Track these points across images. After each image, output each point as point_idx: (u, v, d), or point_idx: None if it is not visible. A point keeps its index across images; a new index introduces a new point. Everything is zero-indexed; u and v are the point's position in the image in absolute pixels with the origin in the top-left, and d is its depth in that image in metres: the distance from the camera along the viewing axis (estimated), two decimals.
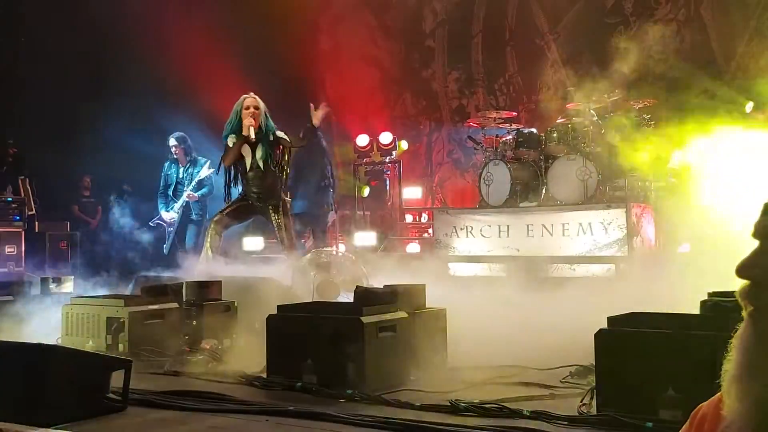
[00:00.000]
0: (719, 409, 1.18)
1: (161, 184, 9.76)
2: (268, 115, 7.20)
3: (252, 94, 7.25)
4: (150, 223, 10.01)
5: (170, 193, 9.66)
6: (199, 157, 9.71)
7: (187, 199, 9.52)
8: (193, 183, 9.53)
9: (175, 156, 9.61)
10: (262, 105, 7.16)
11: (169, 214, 9.61)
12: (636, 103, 8.65)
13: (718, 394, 1.37)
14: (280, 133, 7.20)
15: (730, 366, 1.13)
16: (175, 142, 9.55)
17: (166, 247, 9.63)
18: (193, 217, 9.63)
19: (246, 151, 7.15)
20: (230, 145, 7.15)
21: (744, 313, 1.13)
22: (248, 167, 7.17)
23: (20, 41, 11.83)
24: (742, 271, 1.12)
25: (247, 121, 7.02)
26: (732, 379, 1.12)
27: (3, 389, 3.34)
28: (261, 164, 7.12)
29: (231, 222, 7.33)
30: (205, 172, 9.51)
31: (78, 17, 11.28)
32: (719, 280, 4.43)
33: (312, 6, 13.68)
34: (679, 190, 8.71)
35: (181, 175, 9.64)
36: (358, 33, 14.00)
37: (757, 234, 1.13)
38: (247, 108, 7.08)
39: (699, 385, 2.90)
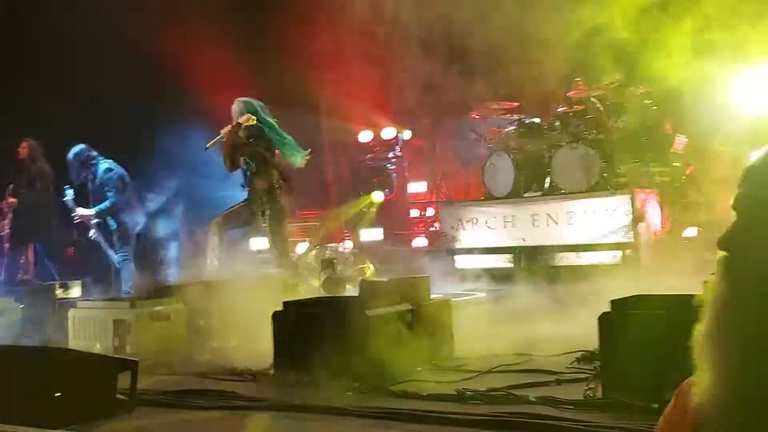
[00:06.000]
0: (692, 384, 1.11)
1: None
2: (257, 111, 6.96)
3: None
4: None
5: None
6: (101, 161, 8.41)
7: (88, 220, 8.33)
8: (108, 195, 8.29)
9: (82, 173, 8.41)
10: (237, 107, 6.99)
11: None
12: (637, 89, 8.61)
13: None
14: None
15: (701, 329, 1.03)
16: (72, 159, 8.37)
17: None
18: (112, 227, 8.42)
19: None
20: None
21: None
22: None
23: (52, 43, 11.80)
24: (720, 243, 1.09)
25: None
26: (702, 342, 1.03)
27: (13, 392, 3.36)
28: (247, 166, 6.95)
29: (230, 224, 7.06)
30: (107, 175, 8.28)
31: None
32: None
33: (308, 1, 13.65)
34: (683, 173, 8.68)
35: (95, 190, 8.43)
36: (355, 28, 13.97)
37: (734, 205, 1.12)
38: None
39: None
